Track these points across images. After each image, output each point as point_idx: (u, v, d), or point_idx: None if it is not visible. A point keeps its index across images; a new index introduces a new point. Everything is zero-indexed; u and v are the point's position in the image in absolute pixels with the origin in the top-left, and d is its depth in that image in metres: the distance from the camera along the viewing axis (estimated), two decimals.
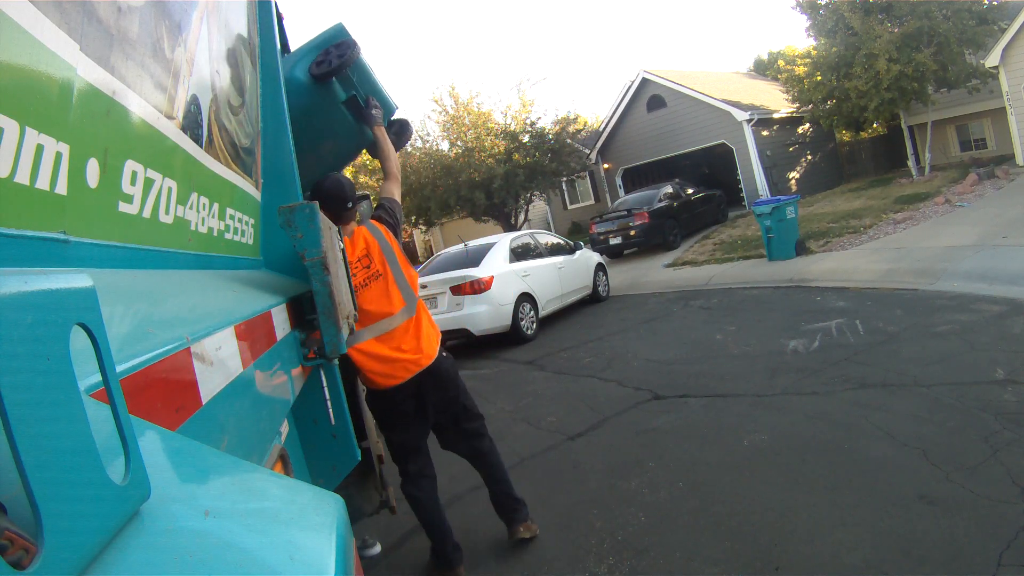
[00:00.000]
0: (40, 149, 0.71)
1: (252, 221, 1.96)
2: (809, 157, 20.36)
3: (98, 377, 0.48)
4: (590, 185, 23.41)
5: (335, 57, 2.65)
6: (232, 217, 1.66)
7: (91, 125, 0.85)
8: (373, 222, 2.84)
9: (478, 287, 7.91)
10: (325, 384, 2.11)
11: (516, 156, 18.27)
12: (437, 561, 2.99)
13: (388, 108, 3.04)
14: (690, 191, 16.01)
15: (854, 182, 19.66)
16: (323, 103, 2.71)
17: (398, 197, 2.98)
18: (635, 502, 3.33)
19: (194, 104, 1.34)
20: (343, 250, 2.95)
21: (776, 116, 19.02)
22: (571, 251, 10.00)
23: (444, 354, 2.90)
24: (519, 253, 8.88)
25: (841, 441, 3.57)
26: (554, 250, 9.73)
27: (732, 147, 18.57)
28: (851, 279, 8.17)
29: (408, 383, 2.74)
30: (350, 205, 2.71)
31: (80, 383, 0.43)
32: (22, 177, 0.68)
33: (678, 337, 7.00)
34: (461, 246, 9.26)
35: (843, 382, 4.48)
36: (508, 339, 8.24)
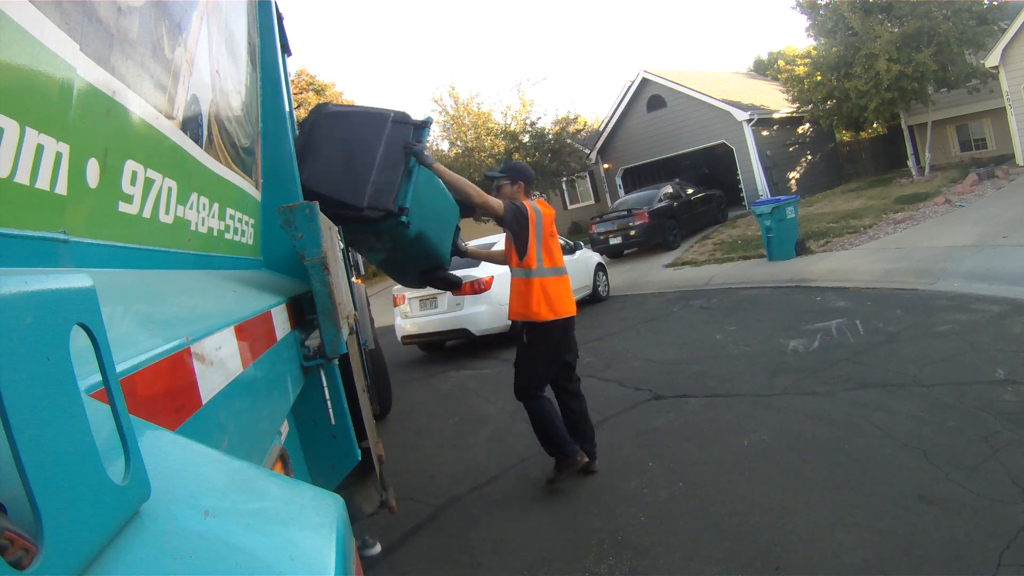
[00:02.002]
0: (40, 149, 0.71)
1: (252, 221, 1.96)
2: (809, 157, 20.37)
3: (98, 377, 0.48)
4: (590, 185, 23.40)
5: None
6: (232, 217, 1.67)
7: (91, 125, 0.85)
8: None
9: (478, 287, 7.89)
10: (325, 384, 2.11)
11: (516, 156, 18.30)
12: (560, 454, 3.66)
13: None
14: (690, 191, 16.01)
15: (854, 182, 19.66)
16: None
17: None
18: (635, 502, 3.33)
19: (194, 104, 1.34)
20: (343, 250, 2.98)
21: (776, 116, 19.02)
22: (571, 251, 9.99)
23: None
24: None
25: (841, 441, 3.57)
26: None
27: (732, 147, 18.57)
28: (851, 279, 8.17)
29: (565, 321, 3.67)
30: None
31: (80, 383, 0.43)
32: (22, 177, 0.68)
33: (678, 337, 7.00)
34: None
35: (843, 382, 4.48)
36: (508, 339, 8.23)
